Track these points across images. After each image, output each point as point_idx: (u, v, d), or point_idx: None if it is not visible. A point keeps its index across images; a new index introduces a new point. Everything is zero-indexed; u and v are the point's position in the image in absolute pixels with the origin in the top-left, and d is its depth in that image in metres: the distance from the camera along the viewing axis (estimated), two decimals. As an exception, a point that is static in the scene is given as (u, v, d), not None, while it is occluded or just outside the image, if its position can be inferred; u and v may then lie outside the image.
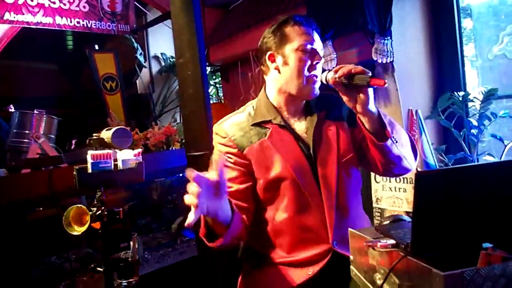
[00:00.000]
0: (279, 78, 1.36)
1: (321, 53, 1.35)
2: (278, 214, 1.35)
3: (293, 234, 1.35)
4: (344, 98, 1.24)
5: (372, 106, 1.21)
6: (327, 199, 1.33)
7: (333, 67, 1.26)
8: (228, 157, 1.34)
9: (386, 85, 1.15)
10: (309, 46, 1.31)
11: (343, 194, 1.37)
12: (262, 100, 1.42)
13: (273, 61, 1.36)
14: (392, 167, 1.33)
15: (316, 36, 1.35)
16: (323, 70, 1.34)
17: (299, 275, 1.34)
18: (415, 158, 1.38)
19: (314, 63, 1.32)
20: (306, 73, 1.31)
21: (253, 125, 1.37)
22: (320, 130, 1.37)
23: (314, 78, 1.32)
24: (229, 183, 1.29)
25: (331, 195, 1.33)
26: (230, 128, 1.38)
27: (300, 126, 1.39)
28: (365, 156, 1.38)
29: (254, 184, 1.36)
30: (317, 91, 1.35)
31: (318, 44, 1.34)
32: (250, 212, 1.34)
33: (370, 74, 1.18)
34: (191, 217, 0.99)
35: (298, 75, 1.31)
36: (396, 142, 1.25)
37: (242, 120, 1.40)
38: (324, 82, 1.28)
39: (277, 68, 1.36)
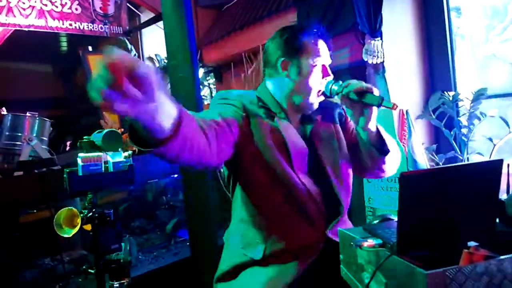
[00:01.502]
0: (287, 86, 1.35)
1: (328, 63, 1.36)
2: (275, 199, 1.34)
3: (290, 221, 1.35)
4: (348, 112, 1.29)
5: (373, 123, 1.27)
6: (339, 186, 1.38)
7: (336, 79, 1.29)
8: (231, 107, 1.30)
9: (397, 108, 1.17)
10: (320, 61, 1.32)
11: (340, 188, 1.39)
12: (265, 95, 1.40)
13: (285, 68, 1.34)
14: (377, 171, 1.41)
15: (326, 48, 1.35)
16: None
17: (296, 266, 1.33)
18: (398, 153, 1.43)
19: (324, 79, 1.33)
20: (318, 89, 1.33)
21: (261, 106, 1.35)
22: (319, 131, 1.41)
23: (320, 93, 1.35)
24: (218, 116, 1.21)
25: (330, 186, 1.37)
26: (242, 98, 1.35)
27: (299, 126, 1.42)
28: (353, 158, 1.44)
29: (235, 140, 1.25)
30: (317, 105, 1.37)
31: (327, 57, 1.35)
32: (218, 144, 1.13)
33: (380, 93, 1.21)
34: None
35: (309, 89, 1.32)
36: (391, 153, 1.32)
37: (252, 98, 1.38)
38: (328, 94, 1.30)
39: (288, 76, 1.34)
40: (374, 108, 1.23)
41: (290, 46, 1.33)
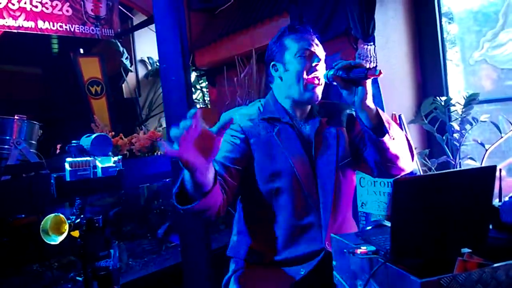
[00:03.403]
0: (282, 85, 1.42)
1: (321, 55, 1.40)
2: (276, 210, 1.38)
3: (288, 231, 1.38)
4: (344, 93, 1.28)
5: (370, 102, 1.25)
6: (323, 200, 1.37)
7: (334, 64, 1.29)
8: (234, 139, 1.38)
9: (382, 75, 1.17)
10: (306, 50, 1.36)
11: (338, 196, 1.40)
12: (270, 100, 1.48)
13: (276, 70, 1.43)
14: (389, 166, 1.34)
15: (314, 40, 1.40)
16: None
17: (292, 274, 1.36)
18: (412, 159, 1.41)
19: (313, 65, 1.36)
20: (305, 76, 1.35)
21: (262, 119, 1.42)
22: (322, 134, 1.42)
23: (314, 80, 1.36)
24: (226, 161, 1.33)
25: (327, 196, 1.38)
26: (241, 117, 1.43)
27: (305, 129, 1.44)
28: (362, 157, 1.41)
29: (243, 171, 1.38)
30: (318, 94, 1.38)
31: (316, 47, 1.39)
32: (233, 192, 1.34)
33: (367, 67, 1.21)
34: (171, 147, 0.94)
35: (298, 79, 1.36)
36: (394, 139, 1.27)
37: (252, 113, 1.45)
38: (326, 80, 1.32)
39: (280, 77, 1.42)
40: (368, 86, 1.23)
41: (276, 49, 1.43)
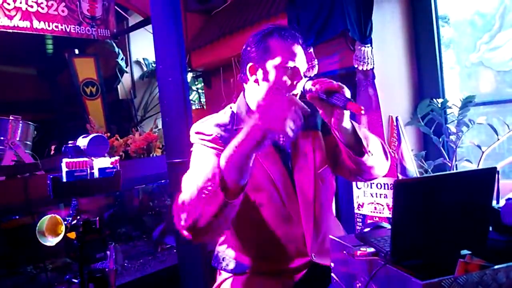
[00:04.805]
0: (257, 91, 1.32)
1: (304, 69, 1.30)
2: (259, 224, 1.33)
3: (274, 245, 1.34)
4: (320, 112, 1.21)
5: (347, 123, 1.18)
6: (305, 210, 1.33)
7: (312, 77, 1.24)
8: (217, 151, 1.25)
9: (362, 112, 1.07)
10: (291, 64, 1.26)
11: (319, 205, 1.37)
12: (242, 107, 1.38)
13: (253, 73, 1.32)
14: (363, 174, 1.32)
15: (300, 52, 1.29)
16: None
17: (280, 286, 1.33)
18: (386, 158, 1.36)
19: (295, 83, 1.27)
20: (284, 91, 1.25)
21: (236, 130, 1.30)
22: (297, 143, 1.36)
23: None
24: None
25: (308, 206, 1.34)
26: (216, 128, 1.33)
27: (279, 139, 1.36)
28: (337, 162, 1.37)
29: None
30: None
31: (301, 61, 1.29)
32: None
33: (348, 94, 1.13)
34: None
35: (276, 93, 1.26)
36: (372, 154, 1.23)
37: (226, 122, 1.35)
38: (302, 90, 1.24)
39: (256, 81, 1.31)
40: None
41: (257, 50, 1.30)
